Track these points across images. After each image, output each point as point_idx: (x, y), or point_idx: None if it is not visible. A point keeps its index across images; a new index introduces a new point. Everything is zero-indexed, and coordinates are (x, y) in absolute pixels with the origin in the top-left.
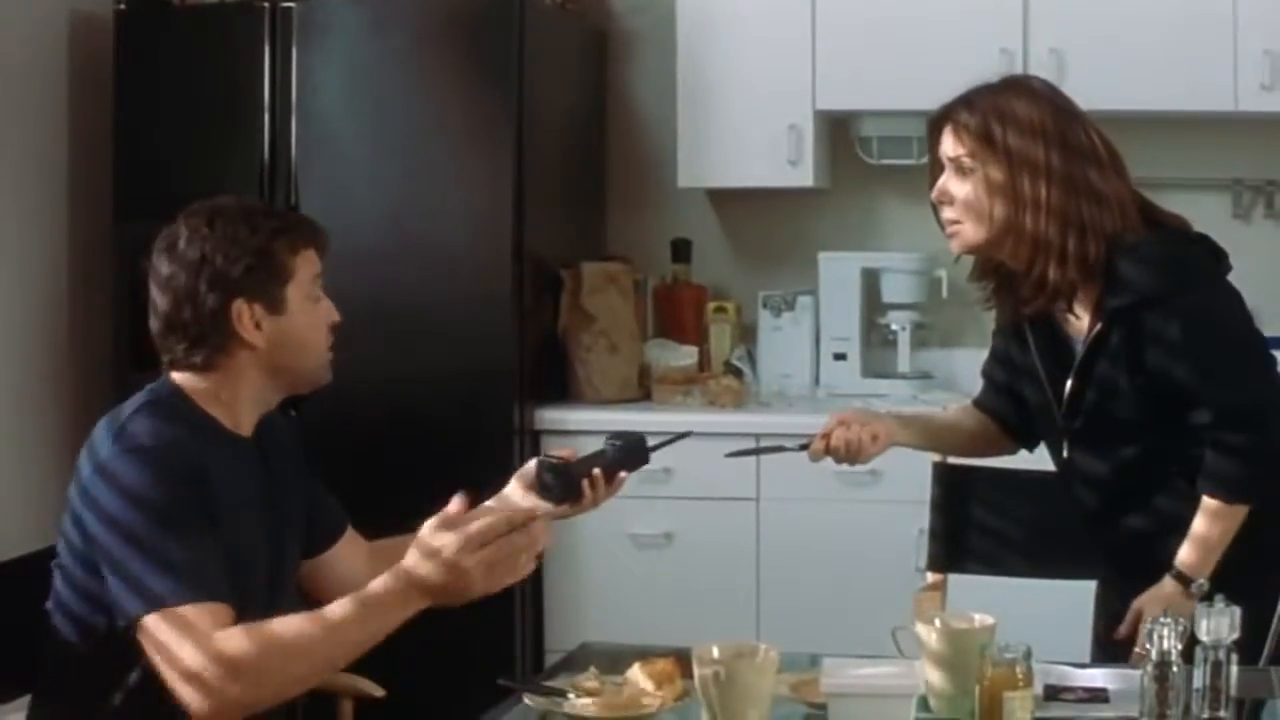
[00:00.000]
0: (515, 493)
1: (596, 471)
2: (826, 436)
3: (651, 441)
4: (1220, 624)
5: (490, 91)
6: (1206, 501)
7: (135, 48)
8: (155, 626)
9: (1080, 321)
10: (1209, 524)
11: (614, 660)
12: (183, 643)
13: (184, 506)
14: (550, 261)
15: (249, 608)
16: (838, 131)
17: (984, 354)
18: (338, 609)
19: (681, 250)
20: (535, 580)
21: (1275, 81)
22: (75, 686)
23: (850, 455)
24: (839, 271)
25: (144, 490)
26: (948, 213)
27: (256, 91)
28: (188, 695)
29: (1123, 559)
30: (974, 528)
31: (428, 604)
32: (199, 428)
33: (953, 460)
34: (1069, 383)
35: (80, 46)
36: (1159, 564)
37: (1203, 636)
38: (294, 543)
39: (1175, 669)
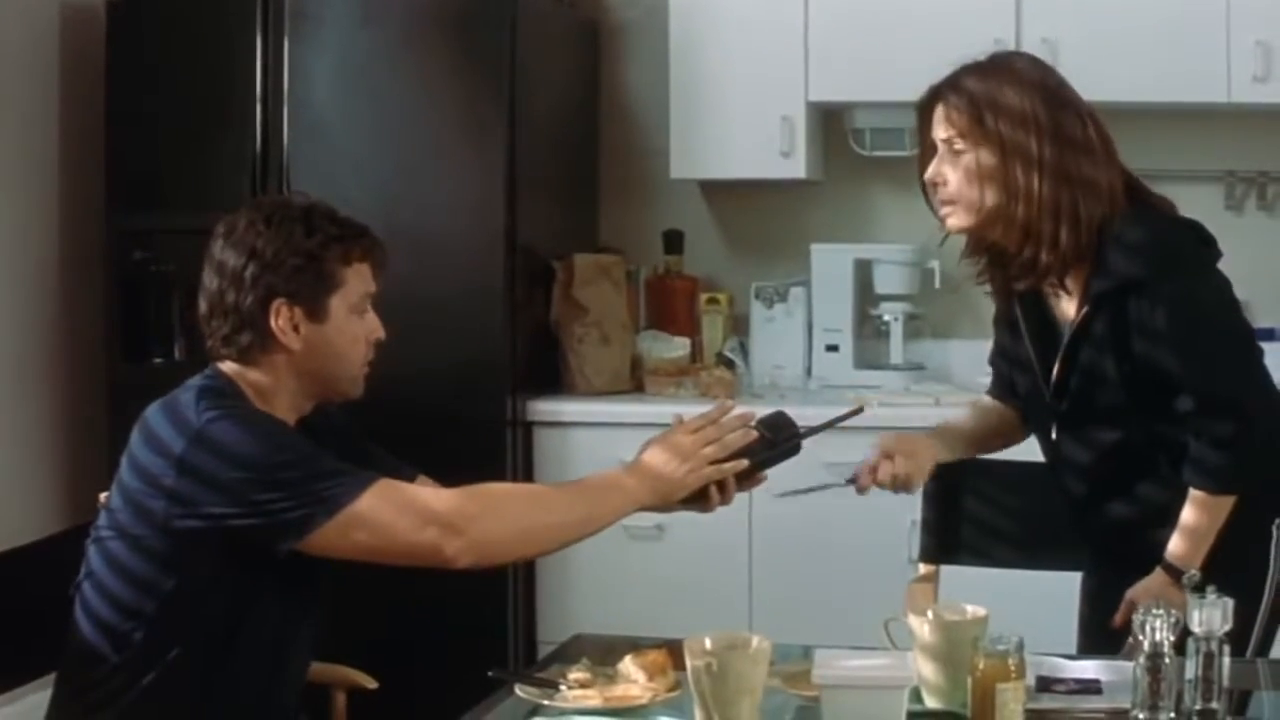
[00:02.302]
0: None
1: (729, 481)
2: (873, 470)
3: (806, 425)
4: (1212, 615)
5: (482, 82)
6: (1193, 492)
7: (127, 39)
8: (352, 518)
9: (1069, 303)
10: (1196, 515)
11: (606, 652)
12: (399, 509)
13: (298, 438)
14: (542, 253)
15: (285, 598)
16: (830, 123)
17: (977, 345)
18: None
19: (674, 241)
20: (528, 571)
21: (1268, 73)
22: (99, 665)
23: (900, 487)
24: (831, 263)
25: (259, 434)
26: (941, 194)
27: (248, 83)
28: (429, 545)
29: (1108, 547)
30: (966, 519)
31: (641, 497)
32: None
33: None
34: (1055, 366)
35: (72, 38)
36: (1144, 552)
37: (1195, 628)
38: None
39: (1167, 660)
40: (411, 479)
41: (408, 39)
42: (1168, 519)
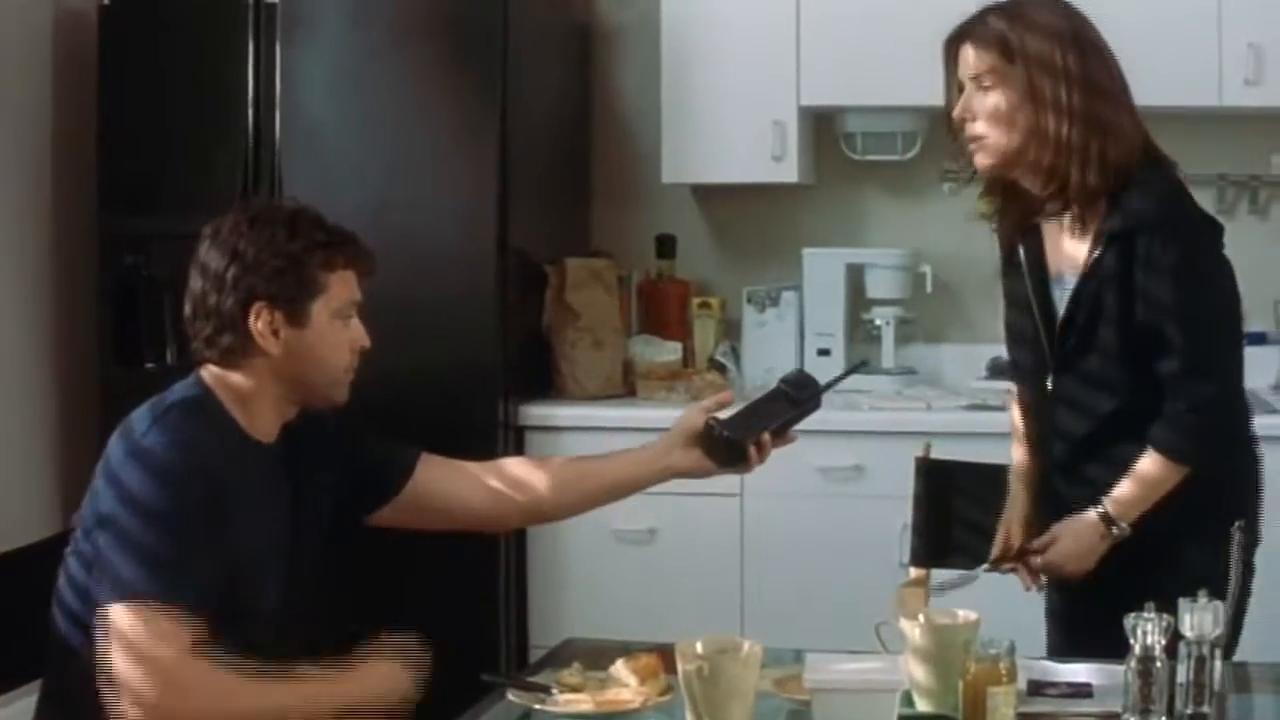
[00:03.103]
0: (676, 447)
1: (766, 436)
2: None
3: (824, 380)
4: (1204, 619)
5: (474, 86)
6: (1151, 451)
7: (119, 42)
8: (117, 617)
9: (1079, 245)
10: (1150, 470)
11: (597, 656)
12: (138, 636)
13: (190, 509)
14: (534, 257)
15: (260, 609)
16: (822, 127)
17: (968, 349)
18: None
19: (666, 246)
20: (519, 576)
21: (1259, 76)
22: (76, 676)
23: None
24: (823, 267)
25: (147, 504)
26: (972, 129)
27: (240, 86)
28: (129, 688)
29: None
30: (957, 522)
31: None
32: (220, 431)
33: (934, 455)
34: (1062, 307)
35: (65, 41)
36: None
37: (1186, 632)
38: (313, 548)
39: (1159, 664)
40: (413, 460)
41: (399, 43)
42: None
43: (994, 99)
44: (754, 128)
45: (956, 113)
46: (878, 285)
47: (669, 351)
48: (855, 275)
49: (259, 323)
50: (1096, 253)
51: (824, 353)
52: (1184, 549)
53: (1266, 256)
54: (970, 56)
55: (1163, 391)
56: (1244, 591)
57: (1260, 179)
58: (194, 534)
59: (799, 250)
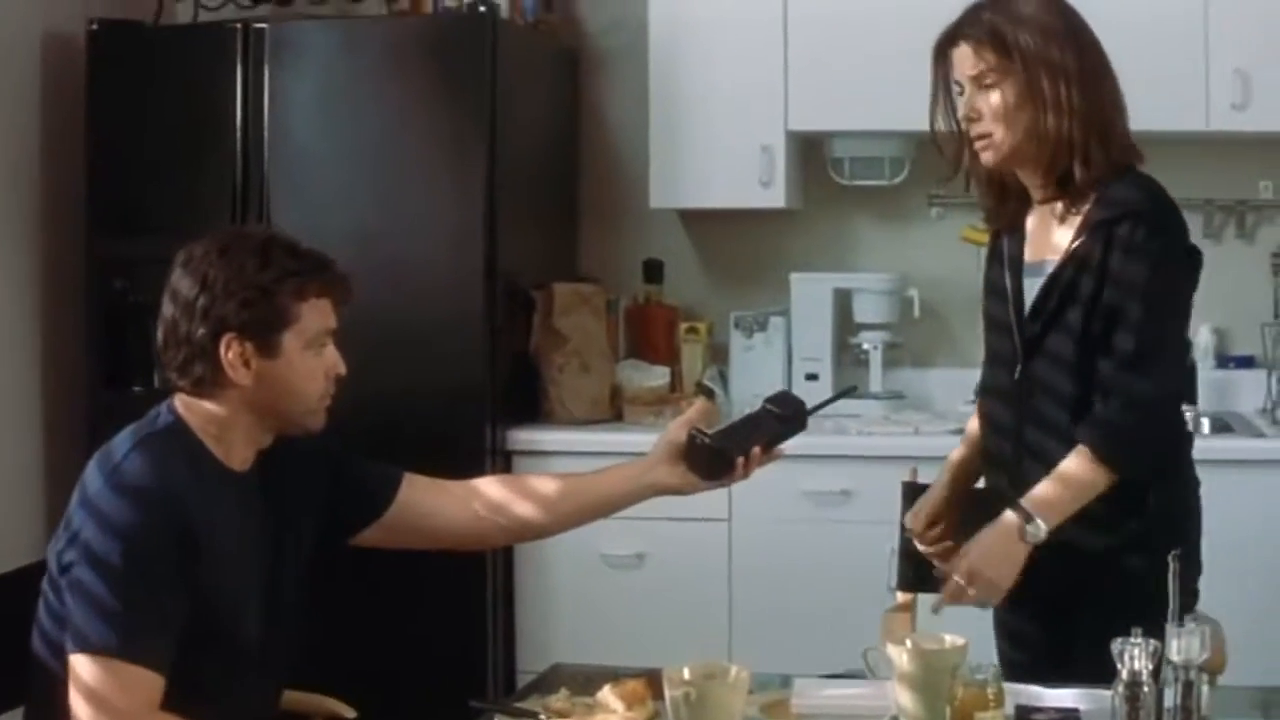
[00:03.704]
0: (660, 463)
1: (756, 450)
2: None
3: (811, 403)
4: (1191, 644)
5: (462, 111)
6: (1080, 449)
7: (108, 67)
8: (79, 666)
9: (1064, 234)
10: (1075, 469)
11: (585, 681)
12: (93, 693)
13: (153, 561)
14: (522, 282)
15: (241, 640)
16: (810, 152)
17: (956, 373)
18: None
19: (653, 270)
20: (507, 600)
21: (1246, 101)
22: (57, 704)
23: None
24: (811, 292)
25: (119, 535)
26: (977, 128)
27: (229, 111)
28: None
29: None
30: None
31: None
32: (195, 462)
33: (921, 479)
34: (1038, 289)
35: (53, 66)
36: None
37: (1173, 656)
38: (293, 575)
39: (1146, 689)
40: (397, 480)
41: (387, 67)
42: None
43: (996, 96)
44: (742, 153)
45: (962, 112)
46: (865, 310)
47: (657, 376)
48: (843, 300)
49: (229, 353)
50: (1080, 240)
51: (812, 377)
52: (1123, 577)
53: (1254, 281)
54: (968, 56)
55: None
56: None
57: (1247, 204)
58: (161, 583)
59: (787, 275)
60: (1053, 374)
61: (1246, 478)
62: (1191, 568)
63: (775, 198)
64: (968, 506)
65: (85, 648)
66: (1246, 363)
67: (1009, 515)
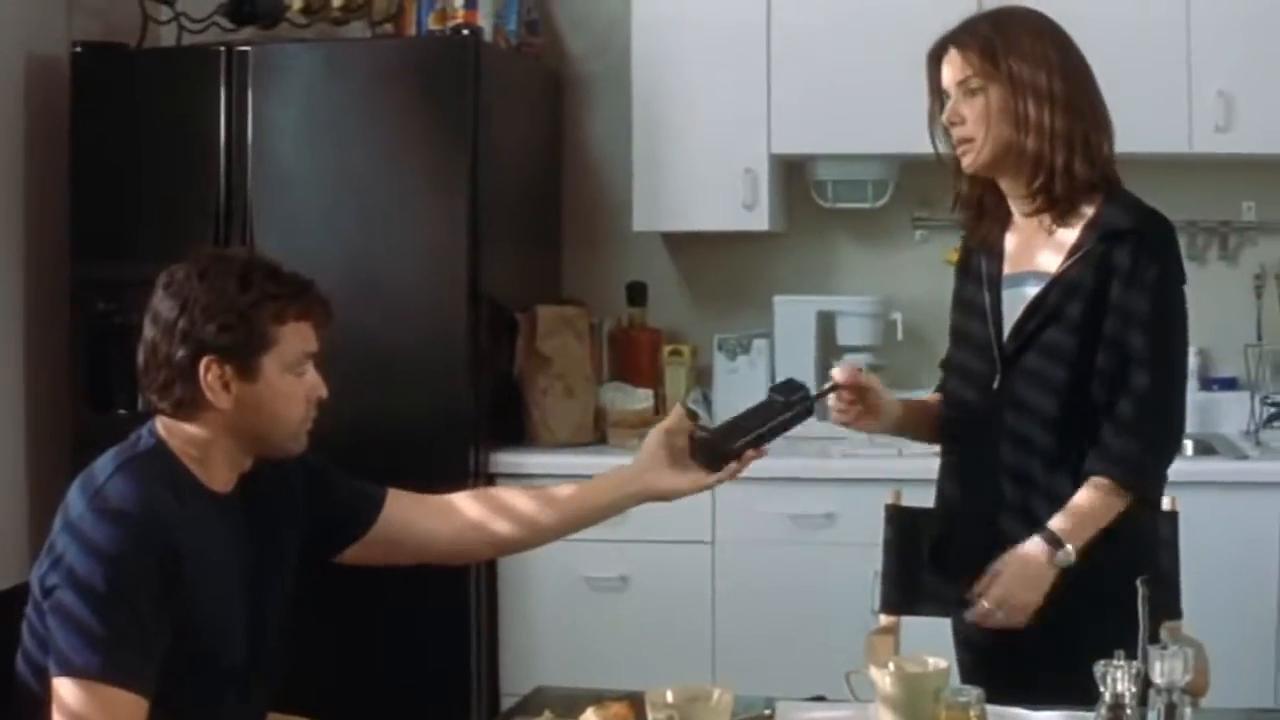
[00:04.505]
0: (647, 470)
1: (750, 453)
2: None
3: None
4: (1174, 666)
5: (446, 134)
6: (1095, 480)
7: (91, 90)
8: (62, 689)
9: (1051, 256)
10: (1090, 499)
11: (568, 704)
12: (76, 716)
13: (136, 584)
14: (506, 304)
15: (221, 665)
16: (793, 175)
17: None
18: None
19: (637, 293)
20: (490, 623)
21: (1229, 123)
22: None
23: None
24: (794, 314)
25: (102, 558)
26: (959, 132)
27: (212, 134)
28: None
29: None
30: (928, 569)
31: None
32: (177, 485)
33: (905, 502)
34: (1021, 306)
35: (36, 88)
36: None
37: (1156, 679)
38: (278, 595)
39: (1129, 711)
40: (381, 497)
41: (371, 91)
42: (1047, 500)
43: (981, 101)
44: (725, 176)
45: (945, 118)
46: (849, 332)
47: (640, 399)
48: (826, 323)
49: (208, 376)
50: (1070, 262)
51: None
52: (1095, 606)
53: (1237, 303)
54: (956, 62)
55: (1105, 410)
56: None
57: (1230, 225)
58: (144, 606)
59: (770, 298)
60: (1031, 393)
61: (1230, 500)
62: (1162, 594)
63: (759, 221)
64: (935, 526)
65: (68, 671)
66: (1230, 384)
67: (1036, 541)
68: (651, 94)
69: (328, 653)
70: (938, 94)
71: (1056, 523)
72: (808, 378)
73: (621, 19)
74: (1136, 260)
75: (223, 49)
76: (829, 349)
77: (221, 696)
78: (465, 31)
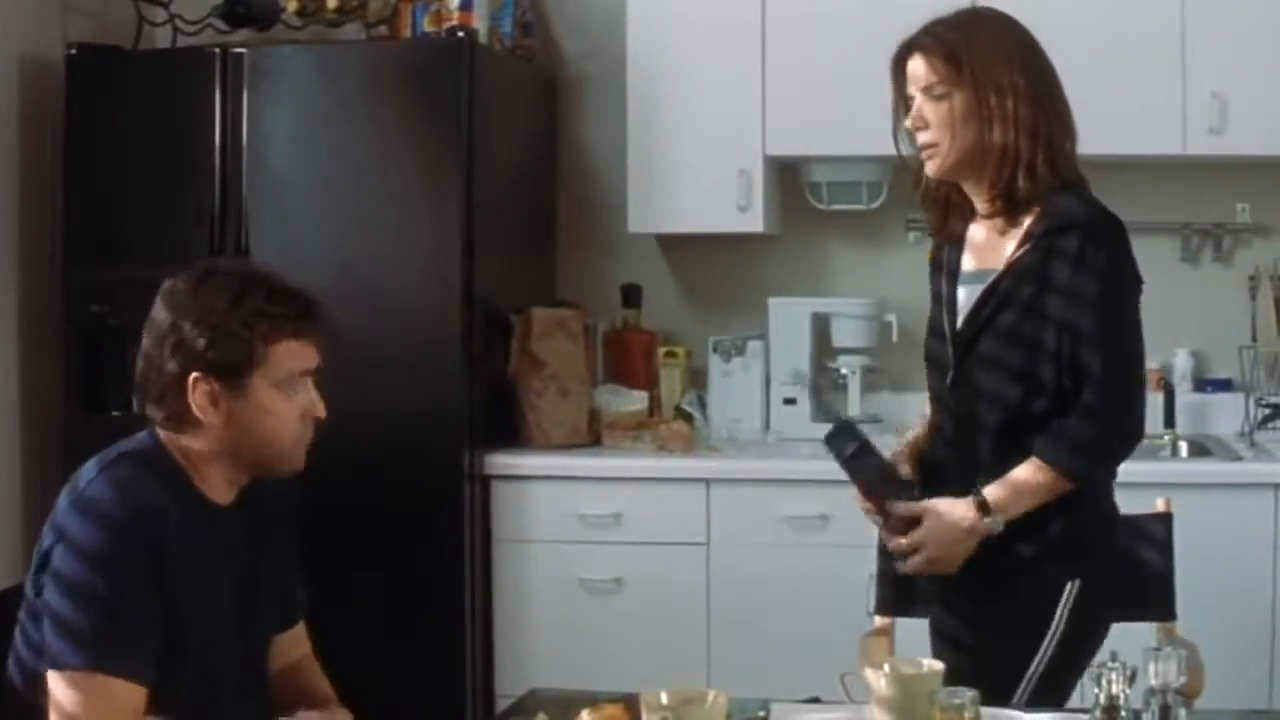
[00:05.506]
0: None
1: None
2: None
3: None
4: (1168, 668)
5: (440, 136)
6: (1038, 460)
7: (86, 92)
8: (55, 685)
9: (1009, 245)
10: (1029, 474)
11: (563, 707)
12: (71, 709)
13: (125, 574)
14: (500, 306)
15: (216, 678)
16: (788, 177)
17: None
18: None
19: (632, 295)
20: (485, 625)
21: (1223, 125)
22: None
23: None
24: (789, 316)
25: (88, 552)
26: (924, 136)
27: (207, 137)
28: None
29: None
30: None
31: None
32: (171, 483)
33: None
34: (978, 296)
35: (30, 91)
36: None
37: (1150, 680)
38: (269, 612)
39: (1123, 714)
40: (293, 620)
41: (366, 93)
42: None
43: (944, 107)
44: (719, 178)
45: (909, 122)
46: (843, 334)
47: (635, 400)
48: (821, 324)
49: (196, 392)
50: (1022, 250)
51: (790, 401)
52: (1022, 587)
53: (1231, 304)
54: (921, 68)
55: (1055, 395)
56: (1073, 649)
57: (1224, 227)
58: (129, 602)
59: (765, 299)
60: (987, 377)
61: (1224, 501)
62: (1091, 604)
63: (753, 222)
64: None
65: (60, 666)
66: (1224, 386)
67: (966, 503)
68: (646, 96)
69: (322, 654)
70: (902, 97)
71: (991, 490)
72: (802, 379)
73: (616, 21)
74: (1084, 247)
75: (217, 51)
76: (824, 350)
77: (216, 703)
78: (460, 34)
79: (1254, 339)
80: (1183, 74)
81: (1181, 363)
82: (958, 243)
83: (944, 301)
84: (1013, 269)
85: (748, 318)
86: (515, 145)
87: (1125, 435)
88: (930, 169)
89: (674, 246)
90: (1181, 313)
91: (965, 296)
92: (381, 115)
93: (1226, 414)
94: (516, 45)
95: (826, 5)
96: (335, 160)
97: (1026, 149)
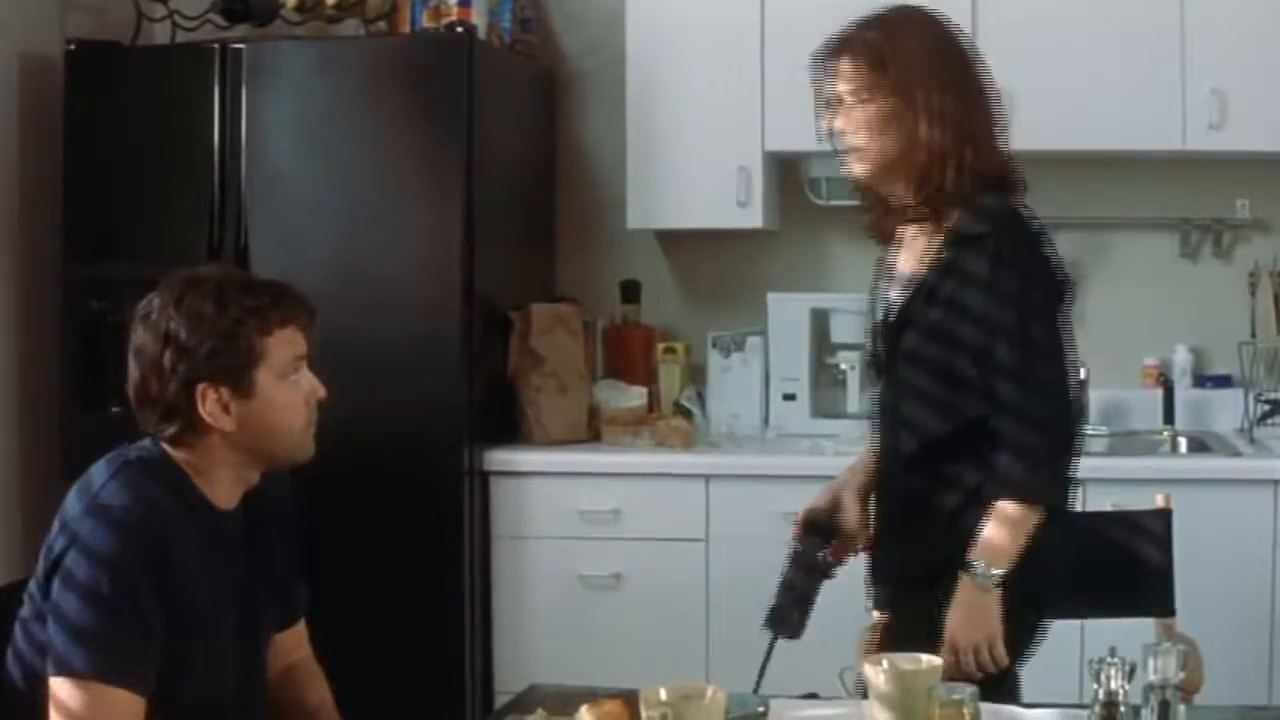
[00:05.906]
0: None
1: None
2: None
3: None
4: (1167, 664)
5: (440, 133)
6: (996, 505)
7: (85, 89)
8: (59, 689)
9: (930, 246)
10: (996, 528)
11: (562, 702)
12: (74, 716)
13: (134, 585)
14: (500, 303)
15: (217, 685)
16: (787, 173)
17: None
18: None
19: (631, 291)
20: (484, 621)
21: (1223, 121)
22: None
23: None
24: (788, 312)
25: (99, 560)
26: (848, 140)
27: (206, 133)
28: None
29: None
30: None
31: None
32: (177, 491)
33: None
34: (906, 296)
35: (30, 87)
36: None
37: (1149, 676)
38: (270, 616)
39: (1123, 709)
40: (294, 618)
41: (365, 89)
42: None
43: (869, 110)
44: (719, 173)
45: (836, 125)
46: (842, 330)
47: (634, 397)
48: (820, 320)
49: (207, 404)
50: (922, 268)
51: (789, 397)
52: (946, 584)
53: (1230, 300)
54: (846, 69)
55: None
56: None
57: (1224, 222)
58: (138, 611)
59: (764, 295)
60: (915, 375)
61: (1224, 497)
62: (1019, 607)
63: (752, 218)
64: None
65: (65, 671)
66: (1224, 382)
67: (966, 582)
68: (645, 91)
69: (322, 650)
70: (824, 99)
71: (976, 557)
72: (801, 375)
73: (616, 17)
74: (997, 244)
75: (217, 47)
76: (823, 346)
77: (217, 706)
78: (459, 29)
79: (1253, 335)
80: (1182, 70)
81: (1181, 359)
82: (896, 244)
83: (874, 305)
84: (934, 265)
85: (747, 314)
86: (514, 141)
87: (1057, 448)
88: (855, 171)
89: (673, 242)
90: (1181, 309)
91: (898, 298)
92: (380, 111)
93: (1226, 410)
94: (516, 41)
95: (825, 1)
96: (334, 155)
97: (953, 143)
